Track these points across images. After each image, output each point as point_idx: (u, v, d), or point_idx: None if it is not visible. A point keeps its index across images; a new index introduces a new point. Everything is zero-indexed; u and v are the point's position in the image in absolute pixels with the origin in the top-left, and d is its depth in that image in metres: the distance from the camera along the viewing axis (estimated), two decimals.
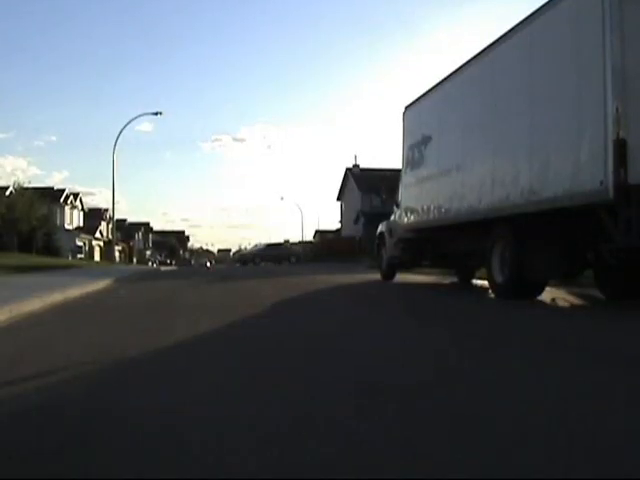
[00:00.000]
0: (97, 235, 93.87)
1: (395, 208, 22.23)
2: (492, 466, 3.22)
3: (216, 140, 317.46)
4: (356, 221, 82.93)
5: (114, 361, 6.61)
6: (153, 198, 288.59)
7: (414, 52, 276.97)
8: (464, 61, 16.32)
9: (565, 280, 15.50)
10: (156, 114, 57.22)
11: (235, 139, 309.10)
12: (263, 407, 4.47)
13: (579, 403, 4.58)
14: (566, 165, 11.86)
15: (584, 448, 3.50)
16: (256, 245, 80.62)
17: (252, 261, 68.64)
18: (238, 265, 70.42)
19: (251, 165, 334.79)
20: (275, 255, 71.30)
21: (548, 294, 14.13)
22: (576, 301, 14.10)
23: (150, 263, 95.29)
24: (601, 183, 10.62)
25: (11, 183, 68.75)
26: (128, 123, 56.69)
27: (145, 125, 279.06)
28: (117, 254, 73.66)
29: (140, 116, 58.81)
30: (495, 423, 4.02)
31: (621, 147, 10.32)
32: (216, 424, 4.08)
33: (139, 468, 3.30)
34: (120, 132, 55.71)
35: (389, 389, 5.01)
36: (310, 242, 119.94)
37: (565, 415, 4.21)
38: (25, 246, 60.82)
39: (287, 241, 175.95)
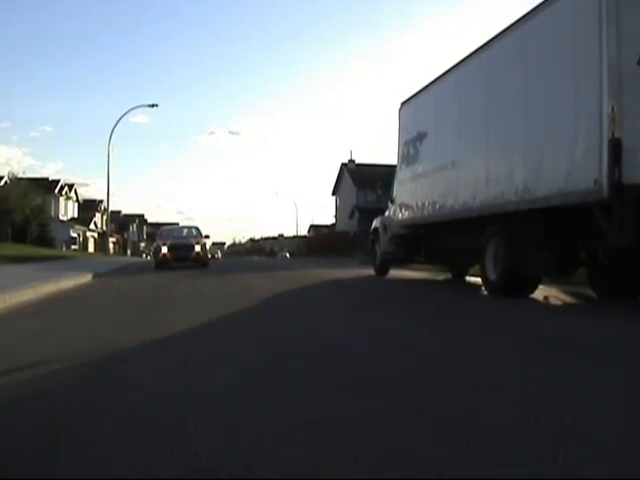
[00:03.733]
0: (91, 226, 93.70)
1: (390, 204, 22.24)
2: None
3: (211, 133, 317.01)
4: (351, 216, 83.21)
5: (105, 352, 6.60)
6: (148, 190, 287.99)
7: (412, 46, 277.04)
8: (461, 58, 16.34)
9: (558, 278, 15.56)
10: (152, 106, 57.28)
11: (231, 132, 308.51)
12: None
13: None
14: (561, 164, 11.88)
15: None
16: None
17: None
18: None
19: (246, 158, 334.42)
20: None
21: (541, 292, 14.16)
22: (568, 299, 14.12)
23: (144, 255, 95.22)
24: (595, 182, 10.64)
25: (5, 173, 68.74)
26: (124, 115, 56.87)
27: (141, 117, 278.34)
28: (111, 246, 73.68)
29: (136, 108, 58.90)
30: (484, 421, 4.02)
31: (616, 147, 10.33)
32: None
33: (127, 462, 3.29)
34: (116, 124, 55.86)
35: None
36: (304, 237, 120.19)
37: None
38: (19, 236, 60.73)
39: (281, 235, 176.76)
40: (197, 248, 33.12)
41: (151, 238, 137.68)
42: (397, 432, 3.72)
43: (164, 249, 32.30)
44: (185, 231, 37.23)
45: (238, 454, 3.33)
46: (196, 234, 35.42)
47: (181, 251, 32.76)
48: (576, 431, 3.72)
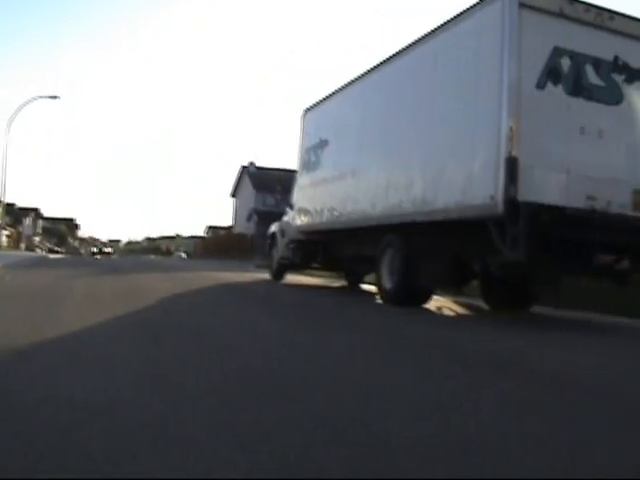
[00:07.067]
0: None
1: (288, 209, 22.26)
2: None
3: None
4: (249, 219, 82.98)
5: None
6: (44, 183, 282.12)
7: (316, 54, 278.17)
8: (365, 69, 16.50)
9: (452, 289, 15.87)
10: (53, 98, 56.10)
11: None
12: None
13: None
14: (459, 178, 12.14)
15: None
16: None
17: None
18: None
19: (149, 155, 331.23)
20: None
21: (435, 302, 14.42)
22: (461, 310, 14.41)
23: (39, 250, 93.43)
24: (491, 198, 10.92)
25: None
26: (22, 106, 55.47)
27: (41, 108, 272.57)
28: (4, 239, 72.05)
29: (35, 99, 57.27)
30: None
31: (513, 164, 10.64)
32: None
33: None
34: (14, 115, 54.53)
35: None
36: (202, 237, 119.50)
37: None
38: None
39: (178, 235, 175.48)
40: None
41: (46, 233, 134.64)
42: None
43: None
44: None
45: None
46: None
47: None
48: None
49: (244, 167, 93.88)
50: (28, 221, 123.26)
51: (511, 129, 10.75)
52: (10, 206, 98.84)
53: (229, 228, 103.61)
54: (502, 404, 4.85)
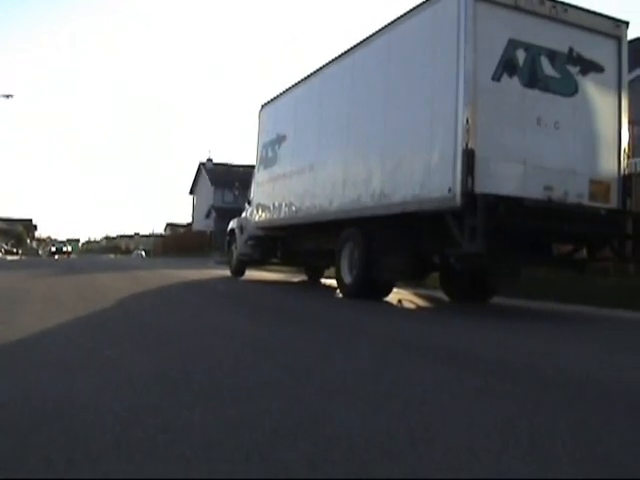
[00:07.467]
0: None
1: (247, 205, 22.24)
2: None
3: None
4: (207, 216, 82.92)
5: None
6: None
7: (271, 49, 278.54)
8: (324, 62, 16.46)
9: (413, 282, 15.95)
10: (7, 97, 55.58)
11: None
12: None
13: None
14: (417, 171, 12.18)
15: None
16: None
17: None
18: None
19: (107, 153, 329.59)
20: None
21: (396, 295, 14.45)
22: (421, 303, 14.45)
23: None
24: (449, 190, 10.97)
25: None
26: None
27: None
28: None
29: None
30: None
31: (470, 157, 10.71)
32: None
33: None
34: None
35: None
36: (161, 235, 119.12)
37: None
38: None
39: (137, 233, 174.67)
40: None
41: (3, 235, 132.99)
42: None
43: None
44: None
45: None
46: None
47: None
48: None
49: (202, 164, 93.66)
50: None
51: (468, 121, 10.82)
52: None
53: (188, 225, 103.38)
54: (468, 395, 4.85)
